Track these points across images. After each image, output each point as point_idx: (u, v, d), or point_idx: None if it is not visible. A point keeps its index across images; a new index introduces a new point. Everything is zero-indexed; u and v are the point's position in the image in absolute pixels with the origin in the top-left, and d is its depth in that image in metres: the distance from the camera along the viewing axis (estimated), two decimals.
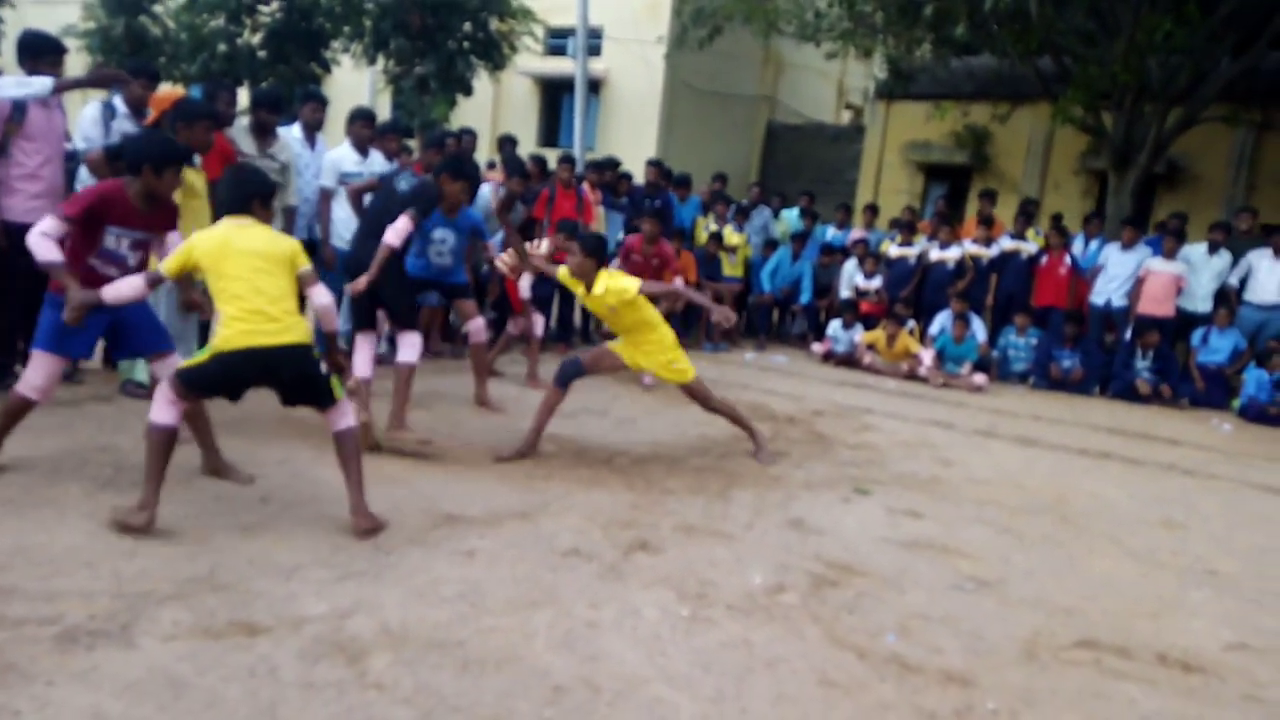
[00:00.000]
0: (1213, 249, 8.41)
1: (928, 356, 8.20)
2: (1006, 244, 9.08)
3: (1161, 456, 5.87)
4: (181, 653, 2.33)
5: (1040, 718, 2.46)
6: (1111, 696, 2.61)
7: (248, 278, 3.15)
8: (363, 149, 6.14)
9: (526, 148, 13.41)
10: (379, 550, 3.12)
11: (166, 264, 3.28)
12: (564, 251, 4.71)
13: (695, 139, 18.37)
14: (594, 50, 16.67)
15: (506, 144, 9.04)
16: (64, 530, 3.01)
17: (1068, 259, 8.82)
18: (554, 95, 19.32)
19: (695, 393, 4.81)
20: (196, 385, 3.18)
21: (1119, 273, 8.55)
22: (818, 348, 8.98)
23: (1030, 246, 9.02)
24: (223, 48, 15.29)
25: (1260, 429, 7.30)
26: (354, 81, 17.72)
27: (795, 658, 2.66)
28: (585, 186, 8.32)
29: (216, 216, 3.58)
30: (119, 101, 5.04)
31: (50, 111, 4.60)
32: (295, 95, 6.85)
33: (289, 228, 5.68)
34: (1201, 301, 8.37)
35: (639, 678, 2.46)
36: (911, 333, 8.57)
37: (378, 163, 6.28)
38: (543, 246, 6.20)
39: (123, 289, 3.31)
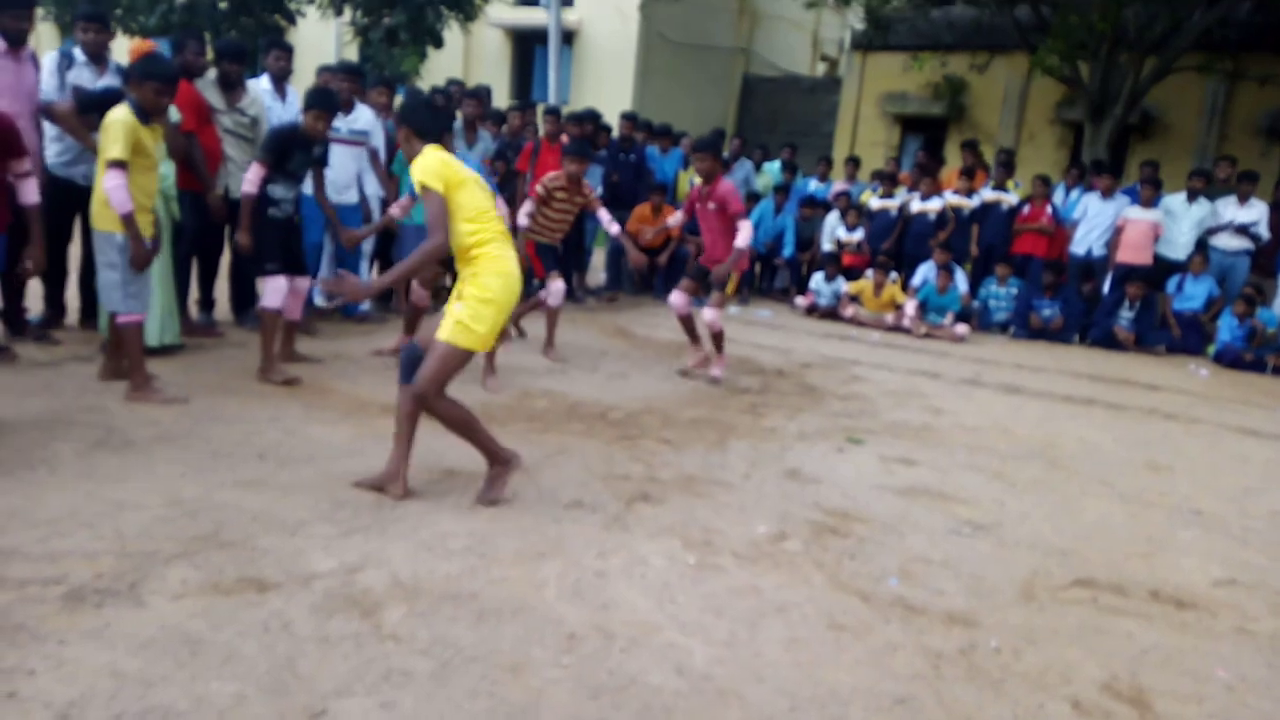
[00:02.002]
0: (1192, 197, 8.49)
1: (911, 307, 8.25)
2: (988, 195, 9.10)
3: (1143, 402, 5.98)
4: (193, 610, 2.31)
5: (1043, 654, 2.52)
6: (1110, 632, 2.68)
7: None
8: (346, 105, 6.00)
9: (499, 101, 13.17)
10: (381, 504, 3.10)
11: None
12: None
13: (671, 91, 18.13)
14: (567, 1, 16.31)
15: (452, 88, 8.84)
16: (59, 491, 2.95)
17: (1049, 209, 8.87)
18: (526, 47, 18.93)
19: None
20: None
21: (1099, 222, 8.61)
22: (801, 301, 8.99)
23: (1011, 197, 9.05)
24: None
25: (1235, 374, 7.45)
26: (320, 34, 17.24)
27: (803, 602, 2.69)
28: (566, 140, 8.18)
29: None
30: (77, 51, 4.87)
31: (20, 65, 4.42)
32: (259, 47, 6.65)
33: None
34: (1181, 249, 8.47)
35: (651, 624, 2.48)
36: (895, 283, 8.60)
37: (363, 118, 6.14)
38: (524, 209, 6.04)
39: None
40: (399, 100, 7.62)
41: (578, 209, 5.66)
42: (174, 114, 4.95)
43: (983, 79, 13.37)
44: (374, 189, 6.39)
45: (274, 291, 4.62)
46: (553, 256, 5.63)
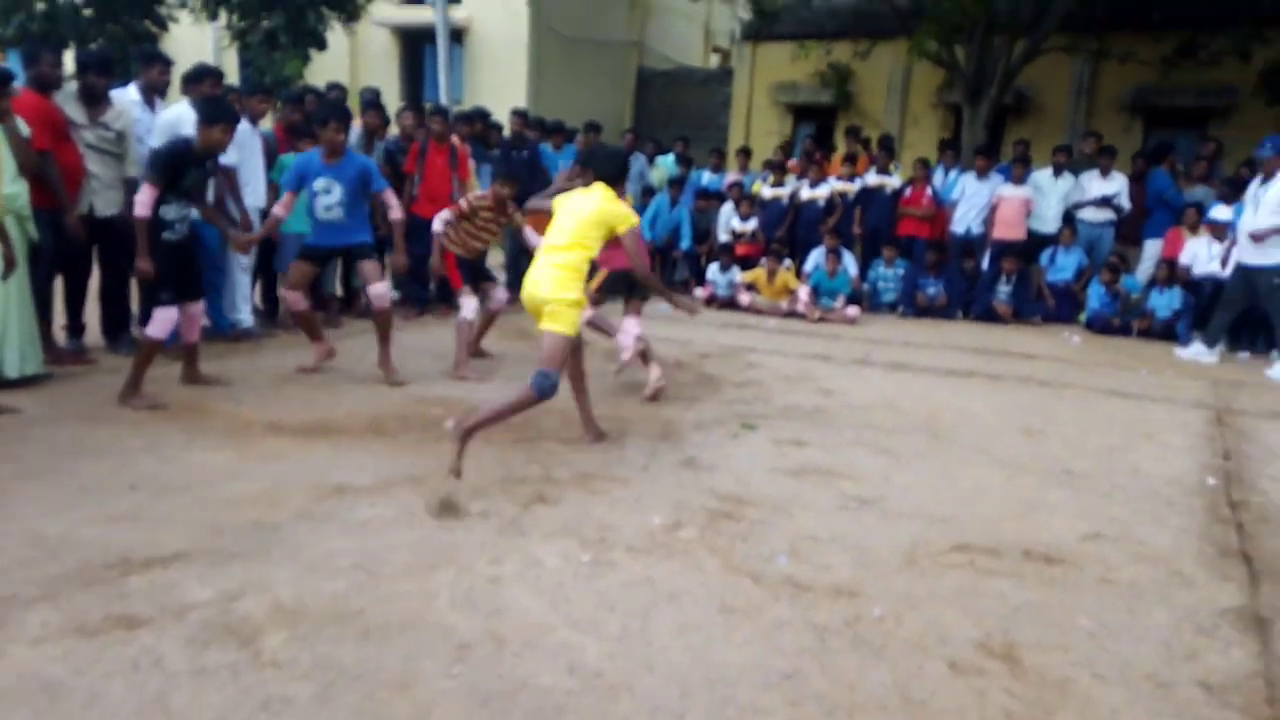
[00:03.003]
0: (1057, 171, 8.95)
1: (804, 292, 8.45)
2: (871, 179, 9.39)
3: (1019, 370, 6.29)
4: (53, 654, 2.20)
5: (921, 618, 2.63)
6: (984, 593, 2.81)
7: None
8: None
9: (390, 102, 12.85)
10: (262, 528, 3.01)
11: None
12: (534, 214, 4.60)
13: (566, 87, 18.06)
14: None
15: (332, 92, 8.65)
16: None
17: (929, 191, 9.21)
18: (415, 46, 18.56)
19: None
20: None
21: (976, 201, 9.00)
22: (700, 292, 9.11)
23: (894, 181, 9.36)
24: (41, 5, 13.91)
25: (1105, 339, 7.91)
26: (194, 38, 16.51)
27: (695, 589, 2.74)
28: (455, 140, 8.07)
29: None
30: None
31: None
32: (129, 56, 6.38)
33: (129, 202, 5.26)
34: (1051, 223, 8.92)
35: (544, 625, 2.48)
36: (788, 269, 8.80)
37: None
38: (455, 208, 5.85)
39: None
40: (280, 106, 7.40)
41: (501, 228, 5.59)
42: (23, 128, 4.68)
43: (867, 66, 13.77)
44: (254, 199, 6.19)
45: (163, 321, 4.39)
46: (470, 271, 5.53)
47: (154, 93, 5.69)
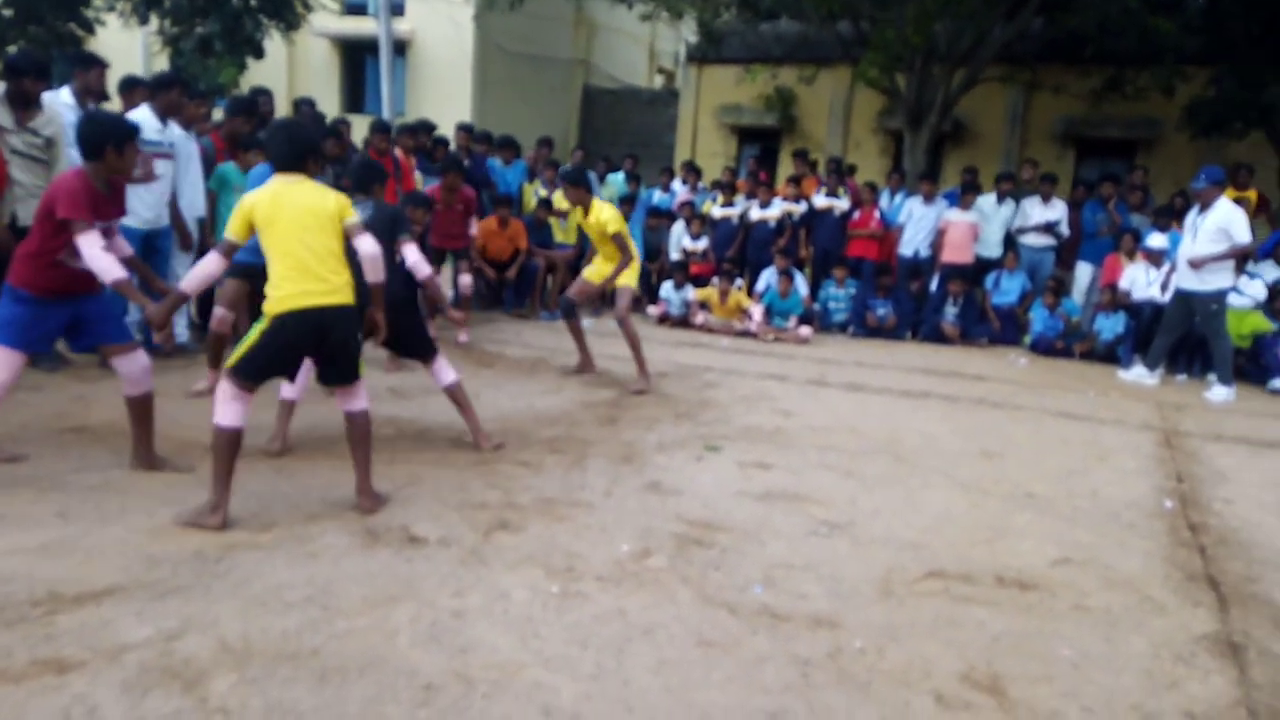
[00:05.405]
0: (1000, 198, 9.17)
1: (757, 312, 8.45)
2: (820, 201, 9.48)
3: (972, 392, 6.36)
4: None
5: (904, 650, 2.56)
6: (963, 623, 2.76)
7: (298, 235, 3.09)
8: (164, 117, 5.56)
9: (330, 113, 12.54)
10: (204, 559, 2.80)
11: (231, 227, 3.14)
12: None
13: (510, 103, 17.94)
14: (397, 9, 15.81)
15: (303, 106, 8.40)
16: None
17: (877, 214, 9.33)
18: (356, 57, 18.25)
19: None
20: (254, 370, 3.12)
21: (923, 225, 9.14)
22: (653, 310, 9.03)
23: (843, 203, 9.46)
24: None
25: (1050, 361, 8.08)
26: (123, 43, 15.94)
27: (670, 622, 2.63)
28: (398, 153, 7.87)
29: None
30: None
31: None
32: (53, 59, 6.09)
33: None
34: (994, 248, 9.12)
35: (514, 664, 2.34)
36: (740, 289, 8.79)
37: (175, 132, 5.70)
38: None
39: (201, 271, 3.22)
40: (218, 113, 7.11)
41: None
42: None
43: (811, 91, 13.98)
44: (192, 211, 5.93)
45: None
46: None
47: (90, 96, 5.43)
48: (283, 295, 3.08)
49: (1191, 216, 6.85)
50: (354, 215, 3.25)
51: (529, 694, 2.21)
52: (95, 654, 2.22)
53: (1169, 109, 11.66)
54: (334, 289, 3.14)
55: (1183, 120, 11.05)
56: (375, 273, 3.33)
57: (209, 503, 3.05)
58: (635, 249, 5.93)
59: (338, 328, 3.16)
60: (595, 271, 6.06)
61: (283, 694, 2.11)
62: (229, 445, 3.06)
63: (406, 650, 2.36)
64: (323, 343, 3.17)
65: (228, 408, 3.07)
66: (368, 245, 3.24)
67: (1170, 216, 8.36)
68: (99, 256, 3.23)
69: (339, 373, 3.29)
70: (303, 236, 3.10)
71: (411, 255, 4.12)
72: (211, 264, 3.19)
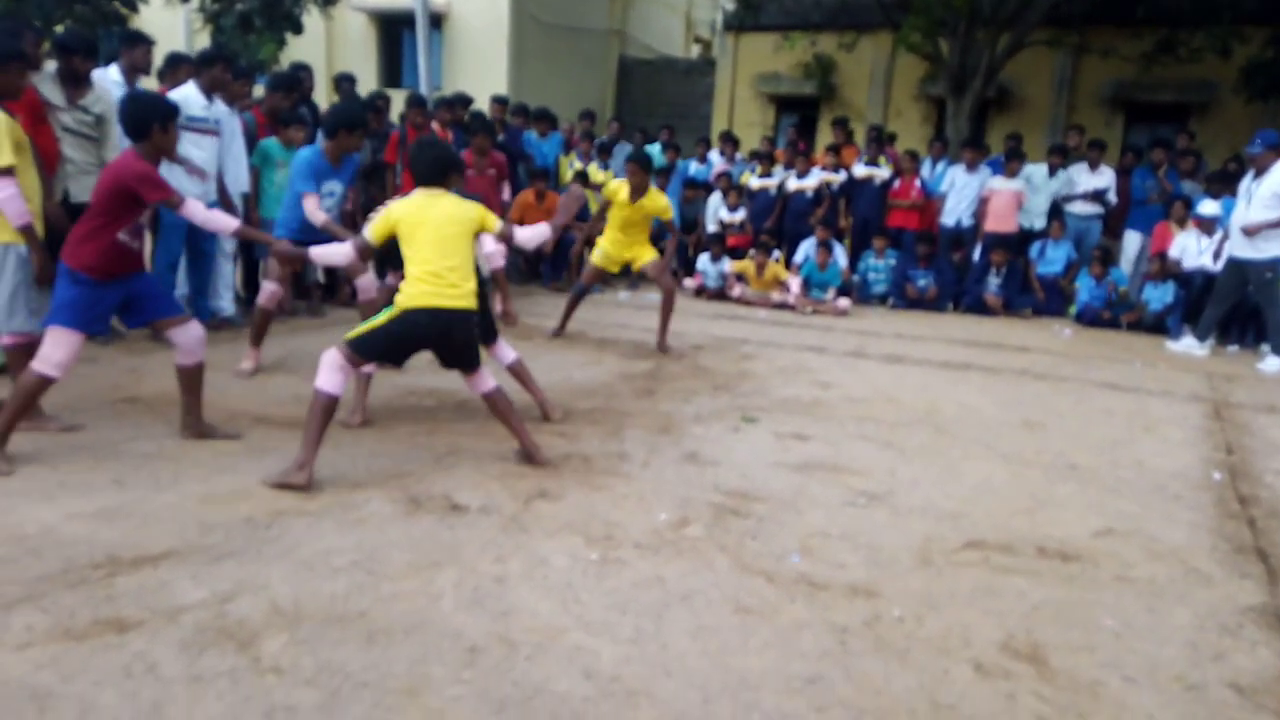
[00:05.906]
0: (1052, 171, 8.97)
1: (795, 284, 8.39)
2: (860, 171, 9.34)
3: (1014, 363, 6.26)
4: (40, 660, 2.06)
5: (943, 618, 2.56)
6: (1003, 592, 2.75)
7: (437, 244, 3.35)
8: (209, 93, 5.68)
9: (367, 87, 12.63)
10: (254, 525, 2.89)
11: (371, 230, 3.43)
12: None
13: (546, 75, 17.85)
14: None
15: (344, 83, 8.47)
16: None
17: (918, 183, 9.18)
18: (393, 31, 18.25)
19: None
20: (370, 350, 3.36)
21: (966, 194, 8.97)
22: (689, 283, 9.01)
23: (883, 172, 9.31)
24: None
25: (1096, 332, 7.92)
26: (166, 21, 16.09)
27: (708, 588, 2.65)
28: (435, 126, 7.91)
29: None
30: None
31: None
32: (99, 37, 6.24)
33: None
34: (1039, 218, 8.94)
35: (555, 628, 2.39)
36: (777, 261, 8.73)
37: (220, 108, 5.81)
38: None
39: (331, 254, 3.55)
40: (259, 90, 7.19)
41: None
42: None
43: (851, 58, 13.73)
44: (237, 186, 6.03)
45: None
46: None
47: (137, 73, 5.60)
48: (416, 293, 3.33)
49: (1246, 182, 6.65)
50: (498, 225, 3.57)
51: (570, 656, 2.25)
52: (153, 614, 2.30)
53: (1225, 71, 11.26)
54: (462, 295, 3.39)
55: (1239, 83, 10.68)
56: (494, 259, 3.98)
57: (296, 461, 3.20)
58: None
59: (459, 328, 3.44)
60: (606, 257, 6.22)
61: (332, 654, 2.18)
62: (325, 410, 3.23)
63: (450, 614, 2.42)
64: (445, 340, 3.47)
65: (333, 375, 3.25)
66: (489, 243, 3.78)
67: (1224, 182, 8.10)
68: (213, 216, 3.61)
69: (462, 362, 3.59)
70: (442, 246, 3.36)
71: (488, 246, 4.33)
72: (343, 252, 3.51)
